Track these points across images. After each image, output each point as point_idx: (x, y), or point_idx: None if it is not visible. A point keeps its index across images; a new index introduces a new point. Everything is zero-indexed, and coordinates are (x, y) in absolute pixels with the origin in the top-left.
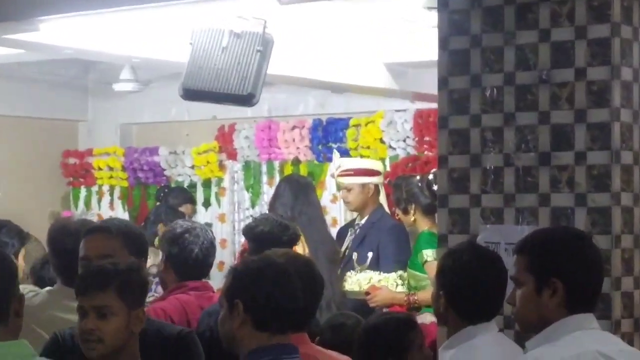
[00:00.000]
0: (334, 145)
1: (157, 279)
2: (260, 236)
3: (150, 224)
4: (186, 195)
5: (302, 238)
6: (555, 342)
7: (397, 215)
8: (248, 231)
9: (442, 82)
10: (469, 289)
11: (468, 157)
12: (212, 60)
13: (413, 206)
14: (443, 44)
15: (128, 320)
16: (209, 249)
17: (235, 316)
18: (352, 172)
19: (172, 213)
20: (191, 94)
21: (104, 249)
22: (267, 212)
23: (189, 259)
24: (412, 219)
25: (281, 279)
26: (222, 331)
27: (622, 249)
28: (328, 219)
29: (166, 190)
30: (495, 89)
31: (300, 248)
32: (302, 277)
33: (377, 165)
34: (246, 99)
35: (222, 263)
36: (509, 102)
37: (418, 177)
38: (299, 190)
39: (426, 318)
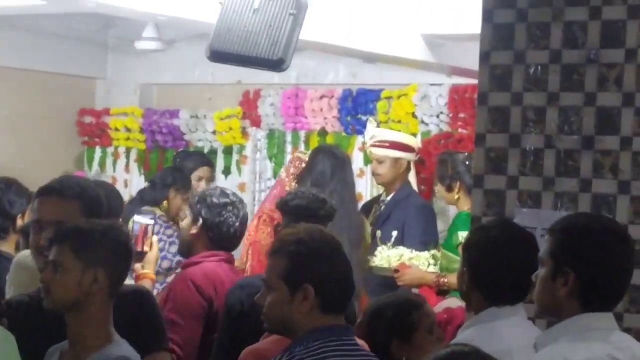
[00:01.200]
0: (363, 117)
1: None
2: (295, 210)
3: (160, 188)
4: (203, 158)
5: None
6: (565, 342)
7: (437, 192)
8: (283, 204)
9: (484, 57)
10: (494, 266)
11: (507, 136)
12: (242, 22)
13: (458, 184)
14: (487, 16)
15: (81, 278)
16: (245, 224)
17: (301, 300)
18: (387, 145)
19: (181, 177)
20: (218, 56)
21: (57, 213)
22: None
23: (228, 231)
24: (456, 197)
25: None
26: (278, 315)
27: None
28: None
29: (182, 155)
30: (539, 67)
31: None
32: None
33: (413, 142)
34: (276, 64)
35: None
36: (553, 81)
37: (466, 154)
38: (336, 165)
39: (453, 302)
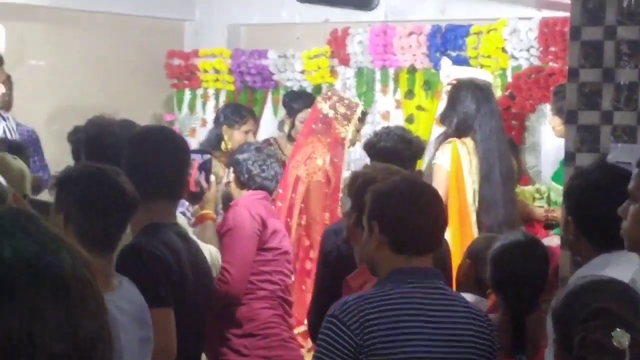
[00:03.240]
0: (452, 54)
1: None
2: (382, 152)
3: (214, 129)
4: (310, 99)
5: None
6: None
7: (552, 124)
8: (370, 147)
9: None
10: (599, 211)
11: (600, 70)
12: None
13: None
14: None
15: None
16: (278, 165)
17: (371, 237)
18: None
19: (231, 111)
20: None
21: None
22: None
23: (255, 171)
24: None
25: (418, 200)
26: (363, 252)
27: None
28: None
29: (291, 95)
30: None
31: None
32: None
33: (488, 77)
34: (365, 3)
35: None
36: None
37: None
38: (480, 98)
39: (552, 240)
